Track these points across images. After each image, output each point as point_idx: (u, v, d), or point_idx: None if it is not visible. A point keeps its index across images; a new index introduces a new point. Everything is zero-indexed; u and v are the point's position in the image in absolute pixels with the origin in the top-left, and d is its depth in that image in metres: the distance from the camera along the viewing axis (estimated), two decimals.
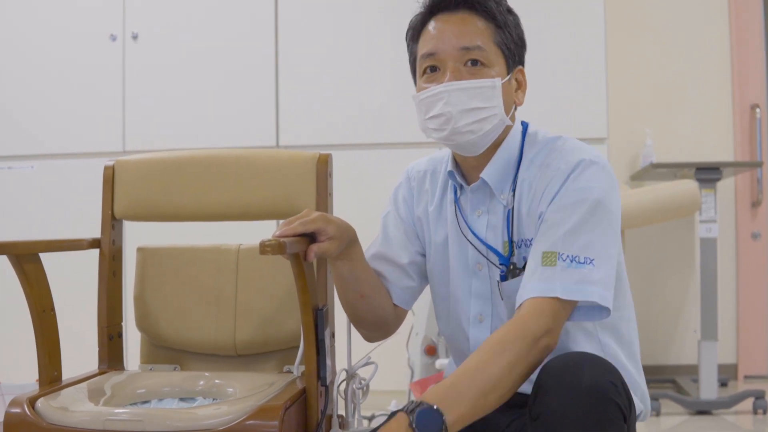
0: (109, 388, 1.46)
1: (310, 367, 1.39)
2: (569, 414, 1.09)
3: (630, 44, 3.92)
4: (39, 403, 1.31)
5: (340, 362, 1.58)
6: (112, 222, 1.66)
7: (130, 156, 1.69)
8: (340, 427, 1.55)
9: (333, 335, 1.51)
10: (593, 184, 1.30)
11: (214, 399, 1.46)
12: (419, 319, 2.66)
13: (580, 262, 1.25)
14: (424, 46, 1.38)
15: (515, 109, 1.41)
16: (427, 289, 1.56)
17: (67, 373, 1.54)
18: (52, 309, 1.50)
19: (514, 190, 1.37)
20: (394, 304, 1.51)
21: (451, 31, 1.35)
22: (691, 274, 3.75)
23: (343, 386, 1.57)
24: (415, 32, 1.41)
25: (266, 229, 1.35)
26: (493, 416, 1.20)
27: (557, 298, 1.24)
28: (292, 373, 1.56)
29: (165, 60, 3.39)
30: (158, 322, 1.67)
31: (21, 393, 1.36)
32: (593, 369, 1.13)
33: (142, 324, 1.68)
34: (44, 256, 1.49)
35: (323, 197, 1.57)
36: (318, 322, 1.38)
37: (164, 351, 1.69)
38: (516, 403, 1.23)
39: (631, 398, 1.18)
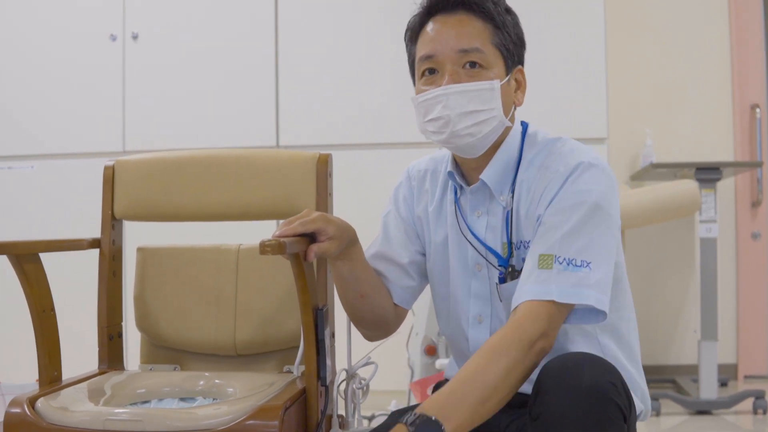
0: (109, 388, 1.46)
1: (310, 367, 1.39)
2: (569, 414, 1.09)
3: (630, 44, 3.92)
4: (39, 403, 1.31)
5: (340, 362, 1.58)
6: (112, 222, 1.66)
7: (130, 156, 1.69)
8: (340, 427, 1.55)
9: (333, 335, 1.51)
10: (591, 186, 1.29)
11: (214, 399, 1.46)
12: (419, 319, 2.66)
13: (576, 265, 1.24)
14: (422, 48, 1.37)
15: (515, 109, 1.40)
16: (427, 288, 1.56)
17: (67, 373, 1.54)
18: (52, 309, 1.50)
19: (513, 192, 1.37)
20: (395, 304, 1.51)
21: (449, 33, 1.34)
22: (691, 274, 3.75)
23: (343, 386, 1.57)
24: (414, 33, 1.40)
25: (266, 229, 1.35)
26: (493, 416, 1.20)
27: (553, 302, 1.23)
28: (292, 373, 1.56)
29: (165, 60, 3.39)
30: (158, 322, 1.67)
31: (21, 393, 1.36)
32: (593, 369, 1.13)
33: (142, 324, 1.68)
34: (44, 256, 1.49)
35: (323, 197, 1.57)
36: (318, 322, 1.38)
37: (164, 351, 1.69)
38: (516, 403, 1.23)
39: (631, 398, 1.18)
